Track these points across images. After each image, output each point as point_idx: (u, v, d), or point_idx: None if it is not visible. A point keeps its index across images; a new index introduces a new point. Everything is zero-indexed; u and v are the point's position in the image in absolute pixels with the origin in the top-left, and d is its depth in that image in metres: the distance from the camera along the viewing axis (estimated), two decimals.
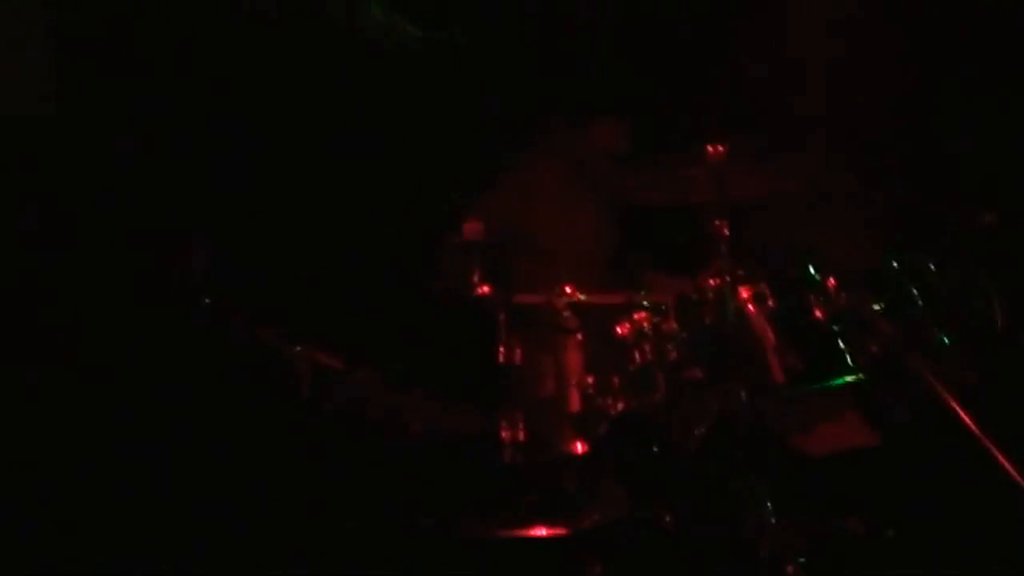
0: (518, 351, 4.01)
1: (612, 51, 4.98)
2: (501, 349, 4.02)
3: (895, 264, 4.14)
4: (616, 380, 3.87)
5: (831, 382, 3.91)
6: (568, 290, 3.99)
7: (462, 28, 5.12)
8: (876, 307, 3.99)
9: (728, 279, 3.80)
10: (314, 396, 3.88)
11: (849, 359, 3.97)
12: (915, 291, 4.10)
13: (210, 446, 3.99)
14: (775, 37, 4.78)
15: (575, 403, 3.87)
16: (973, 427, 3.65)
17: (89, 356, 4.12)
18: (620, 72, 4.93)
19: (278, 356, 3.91)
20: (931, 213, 4.32)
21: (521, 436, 3.94)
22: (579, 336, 3.95)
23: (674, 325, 3.97)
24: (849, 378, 3.90)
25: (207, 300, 3.98)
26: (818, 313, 4.00)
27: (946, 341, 3.98)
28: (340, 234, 4.60)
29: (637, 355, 3.91)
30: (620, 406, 3.80)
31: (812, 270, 4.10)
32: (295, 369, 3.87)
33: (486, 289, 3.99)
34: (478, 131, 4.91)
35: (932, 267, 4.15)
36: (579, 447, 3.89)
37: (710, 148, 3.96)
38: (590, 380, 3.85)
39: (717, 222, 3.94)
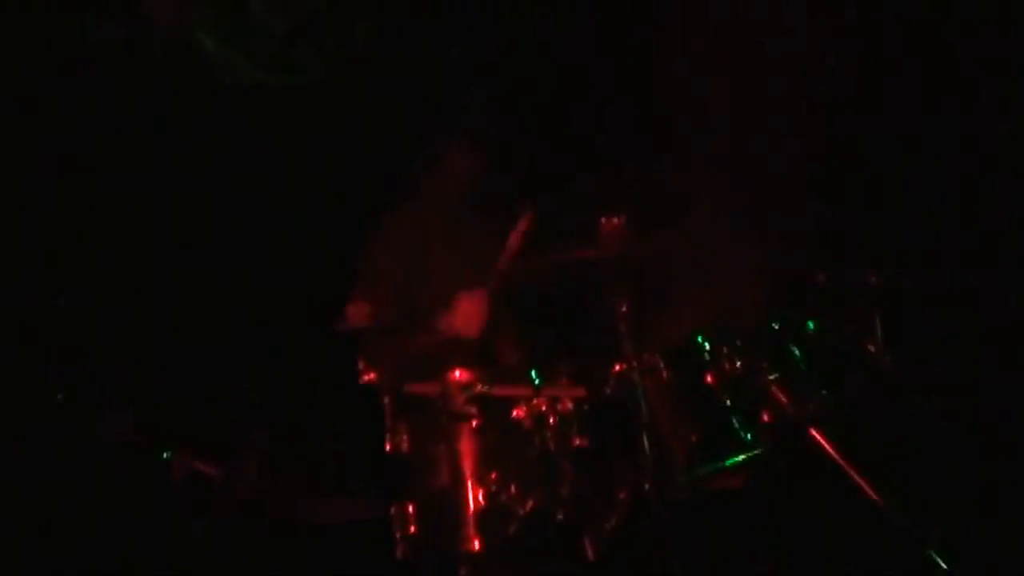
0: (405, 439, 3.77)
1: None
2: (388, 437, 3.76)
3: (776, 326, 4.09)
4: (519, 473, 3.64)
5: (729, 461, 3.82)
6: (462, 376, 3.75)
7: (313, 71, 4.82)
8: (771, 377, 3.92)
9: (634, 363, 3.64)
10: (192, 502, 3.56)
11: (741, 430, 3.88)
12: (797, 352, 4.05)
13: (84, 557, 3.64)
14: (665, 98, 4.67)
15: (478, 500, 3.65)
16: (872, 493, 3.65)
17: None
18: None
19: (150, 460, 3.56)
20: (814, 275, 4.27)
21: (413, 530, 3.70)
22: (474, 424, 3.72)
23: (570, 405, 3.79)
24: (745, 456, 3.82)
25: (60, 396, 3.59)
26: (709, 379, 3.91)
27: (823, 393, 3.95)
28: (210, 318, 4.28)
29: (538, 441, 3.71)
30: (529, 504, 3.60)
31: (701, 339, 4.01)
32: (170, 475, 3.53)
33: (372, 376, 3.71)
34: (341, 183, 4.65)
35: (812, 328, 4.11)
36: (476, 544, 3.68)
37: (605, 222, 3.79)
38: (492, 476, 3.63)
39: (616, 301, 3.78)
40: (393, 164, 4.71)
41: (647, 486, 3.60)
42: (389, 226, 4.46)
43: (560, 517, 3.59)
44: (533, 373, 3.86)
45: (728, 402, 3.91)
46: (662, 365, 3.89)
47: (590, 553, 3.56)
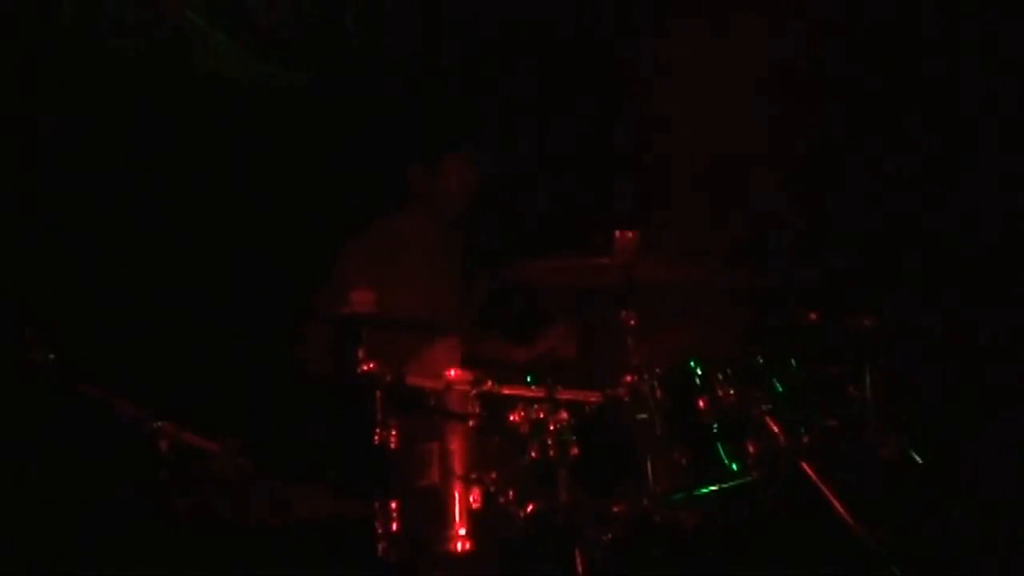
0: (394, 435, 3.66)
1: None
2: (377, 432, 3.66)
3: (760, 360, 4.09)
4: (518, 477, 3.57)
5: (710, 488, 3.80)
6: (461, 374, 3.68)
7: (312, 69, 4.76)
8: (765, 407, 3.92)
9: (646, 376, 3.60)
10: (176, 479, 3.40)
11: (727, 459, 3.87)
12: (779, 388, 4.06)
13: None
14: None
15: (469, 501, 3.56)
16: (854, 525, 3.65)
17: None
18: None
19: (136, 431, 3.40)
20: (806, 314, 4.28)
21: (395, 528, 3.59)
22: (471, 424, 3.63)
23: (565, 416, 3.73)
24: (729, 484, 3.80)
25: (51, 356, 3.41)
26: (701, 404, 3.89)
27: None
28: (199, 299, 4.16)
29: (535, 447, 3.64)
30: (530, 508, 3.52)
31: (694, 364, 3.99)
32: (156, 446, 3.37)
33: (372, 366, 3.61)
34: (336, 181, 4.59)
35: (795, 366, 4.12)
36: (460, 545, 3.58)
37: (619, 235, 3.77)
38: (492, 476, 3.54)
39: (624, 313, 3.75)
40: (380, 166, 4.69)
41: (646, 502, 3.55)
42: (380, 223, 4.44)
43: (557, 524, 3.50)
44: (528, 379, 3.82)
45: (715, 429, 3.88)
46: (657, 384, 3.85)
47: (579, 565, 3.47)
